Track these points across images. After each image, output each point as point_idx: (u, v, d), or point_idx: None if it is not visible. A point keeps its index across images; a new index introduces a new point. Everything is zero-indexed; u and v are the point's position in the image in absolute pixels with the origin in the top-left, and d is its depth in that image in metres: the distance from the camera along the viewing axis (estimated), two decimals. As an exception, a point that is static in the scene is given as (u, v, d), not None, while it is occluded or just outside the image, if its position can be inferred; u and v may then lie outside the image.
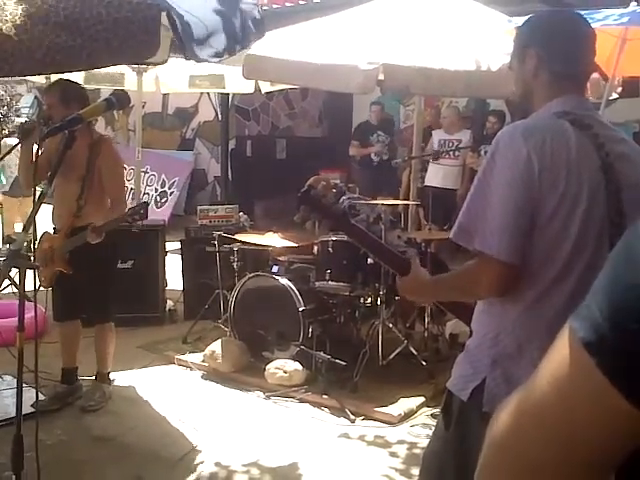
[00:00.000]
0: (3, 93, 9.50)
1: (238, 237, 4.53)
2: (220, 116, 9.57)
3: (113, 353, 3.74)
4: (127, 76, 5.85)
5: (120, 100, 2.02)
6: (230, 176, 9.52)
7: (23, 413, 1.71)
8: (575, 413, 0.53)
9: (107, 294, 3.64)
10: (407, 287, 1.78)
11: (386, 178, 7.26)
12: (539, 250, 1.44)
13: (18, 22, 2.32)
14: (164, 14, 2.61)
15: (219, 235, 4.76)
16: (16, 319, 3.87)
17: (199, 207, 5.51)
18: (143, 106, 6.84)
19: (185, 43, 2.65)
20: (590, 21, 1.62)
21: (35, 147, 3.21)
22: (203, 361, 4.16)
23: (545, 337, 1.45)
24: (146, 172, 9.16)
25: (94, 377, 3.72)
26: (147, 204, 3.44)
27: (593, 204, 1.43)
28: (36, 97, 10.98)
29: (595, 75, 1.51)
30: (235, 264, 4.46)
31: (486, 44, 3.93)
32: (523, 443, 0.57)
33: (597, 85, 3.83)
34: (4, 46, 2.32)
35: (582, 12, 1.70)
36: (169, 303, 5.24)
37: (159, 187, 9.49)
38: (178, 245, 5.43)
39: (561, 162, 1.42)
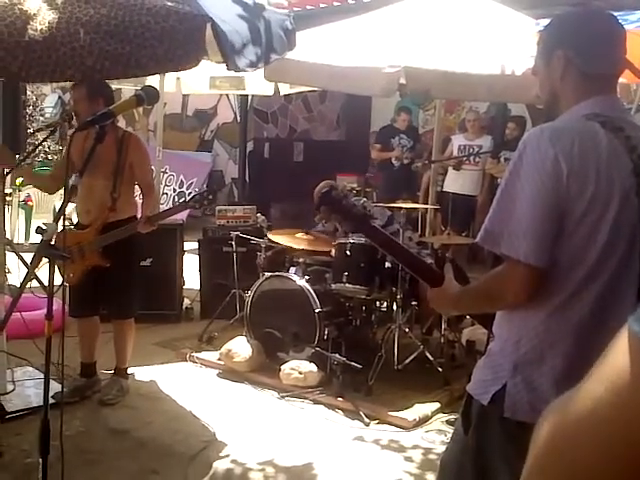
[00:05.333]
0: (30, 93, 9.62)
1: (269, 235, 4.54)
2: (239, 118, 9.63)
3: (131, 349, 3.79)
4: (149, 77, 5.89)
5: (150, 95, 2.05)
6: (247, 178, 9.57)
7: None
8: (636, 422, 0.51)
9: (132, 290, 3.69)
10: (438, 299, 1.74)
11: (406, 182, 7.26)
12: (566, 255, 1.42)
13: (72, 30, 2.39)
14: (209, 25, 2.66)
15: (236, 235, 4.78)
16: (38, 312, 3.98)
17: (217, 207, 5.54)
18: (164, 107, 6.89)
19: (228, 54, 2.71)
20: (623, 23, 1.59)
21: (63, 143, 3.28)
22: (219, 359, 4.18)
23: (569, 342, 1.43)
24: (165, 172, 9.22)
25: (112, 371, 3.76)
26: (215, 191, 3.51)
27: (624, 208, 1.40)
28: (60, 97, 11.12)
29: (624, 80, 1.47)
30: (262, 261, 4.47)
31: (511, 48, 3.90)
32: (578, 454, 0.54)
33: (627, 90, 3.78)
34: (57, 53, 2.39)
35: (617, 13, 1.66)
36: (186, 302, 5.28)
37: (177, 187, 9.56)
38: (195, 245, 5.46)
39: (590, 165, 1.39)
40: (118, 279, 3.54)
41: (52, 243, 1.72)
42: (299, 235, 4.30)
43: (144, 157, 3.66)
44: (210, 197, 3.43)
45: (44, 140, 3.43)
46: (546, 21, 1.64)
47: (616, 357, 0.53)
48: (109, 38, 2.41)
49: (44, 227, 1.73)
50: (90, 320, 3.68)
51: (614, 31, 1.55)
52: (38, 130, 4.00)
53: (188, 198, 3.54)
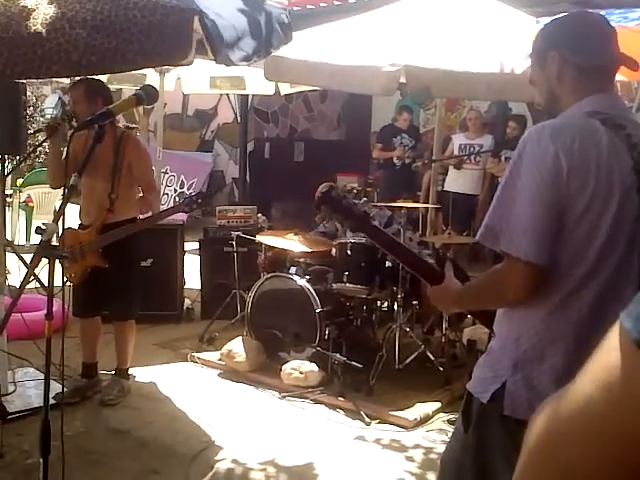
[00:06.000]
0: (30, 94, 9.62)
1: (258, 237, 4.54)
2: (239, 118, 9.63)
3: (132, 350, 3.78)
4: (149, 76, 5.90)
5: (149, 95, 2.05)
6: (248, 178, 9.57)
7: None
8: (628, 419, 0.51)
9: (132, 292, 3.67)
10: (439, 297, 1.75)
11: (407, 181, 7.25)
12: (566, 252, 1.42)
13: (57, 26, 2.38)
14: (197, 18, 2.66)
15: (237, 235, 4.78)
16: (39, 313, 3.97)
17: (218, 207, 5.54)
18: (164, 107, 6.90)
19: (217, 47, 2.70)
20: (624, 20, 1.60)
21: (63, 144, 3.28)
22: (220, 359, 4.18)
23: (569, 340, 1.44)
24: (166, 173, 9.23)
25: (114, 372, 3.76)
26: (205, 194, 3.51)
27: (624, 205, 1.40)
28: (60, 98, 11.13)
29: (625, 78, 1.48)
30: (262, 261, 4.47)
31: (511, 46, 3.90)
32: (570, 451, 0.55)
33: (628, 88, 3.76)
34: (42, 49, 2.38)
35: (616, 11, 1.68)
36: (187, 302, 5.27)
37: (178, 188, 9.56)
38: (196, 245, 5.46)
39: (591, 162, 1.40)
40: (117, 281, 3.53)
41: (52, 243, 1.72)
42: (289, 236, 4.29)
43: (142, 156, 3.64)
44: (200, 201, 3.44)
45: (44, 141, 3.42)
46: (546, 19, 1.65)
47: (608, 354, 0.53)
48: (95, 33, 2.40)
49: (43, 227, 1.73)
50: (92, 320, 3.68)
51: (605, 29, 1.56)
52: (38, 131, 3.99)
53: (180, 201, 3.53)
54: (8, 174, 3.49)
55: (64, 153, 3.77)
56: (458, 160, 6.62)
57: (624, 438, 0.51)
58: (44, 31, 2.37)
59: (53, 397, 2.44)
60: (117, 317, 3.69)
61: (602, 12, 2.01)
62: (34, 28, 2.37)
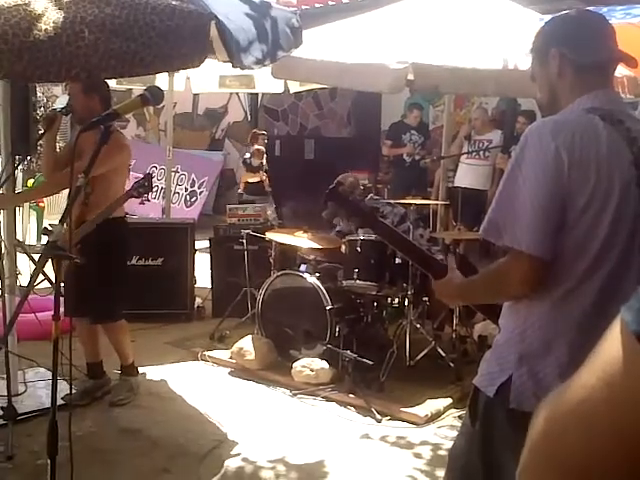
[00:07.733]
0: (40, 95, 9.70)
1: (268, 235, 4.55)
2: (249, 116, 9.66)
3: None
4: (158, 76, 5.93)
5: (154, 95, 2.05)
6: (258, 176, 9.58)
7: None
8: (629, 410, 0.51)
9: (110, 294, 3.51)
10: (442, 290, 1.77)
11: (417, 178, 7.23)
12: (569, 246, 1.44)
13: (77, 30, 2.42)
14: (213, 23, 2.68)
15: (247, 233, 4.80)
16: (50, 313, 3.97)
17: (228, 205, 5.56)
18: (174, 106, 6.93)
19: (233, 51, 2.73)
20: (627, 16, 1.61)
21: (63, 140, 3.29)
22: (230, 358, 4.19)
23: (573, 334, 1.45)
24: (176, 172, 9.27)
25: (119, 370, 3.73)
26: (151, 175, 3.49)
27: (624, 200, 1.42)
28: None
29: (632, 74, 1.48)
30: (272, 258, 4.47)
31: (517, 42, 3.88)
32: (571, 443, 0.55)
33: (634, 83, 3.73)
34: (62, 52, 2.41)
35: (620, 7, 1.69)
36: (198, 300, 5.29)
37: (189, 186, 9.60)
38: (207, 244, 5.49)
39: (591, 158, 1.42)
40: (95, 281, 3.33)
41: (58, 243, 1.73)
42: (299, 234, 4.28)
43: (106, 153, 3.43)
44: (146, 184, 3.38)
45: (44, 133, 3.44)
46: (550, 17, 1.67)
47: (609, 346, 0.54)
48: (114, 37, 2.44)
49: (50, 228, 1.75)
50: (83, 320, 3.54)
51: (603, 27, 1.59)
52: (38, 122, 4.00)
53: (128, 188, 3.47)
54: (9, 176, 3.42)
55: (58, 145, 3.75)
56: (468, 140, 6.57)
57: (624, 430, 0.51)
58: (64, 35, 2.41)
59: (62, 398, 2.45)
60: (95, 319, 3.55)
61: (605, 8, 2.00)
62: (54, 32, 2.41)
